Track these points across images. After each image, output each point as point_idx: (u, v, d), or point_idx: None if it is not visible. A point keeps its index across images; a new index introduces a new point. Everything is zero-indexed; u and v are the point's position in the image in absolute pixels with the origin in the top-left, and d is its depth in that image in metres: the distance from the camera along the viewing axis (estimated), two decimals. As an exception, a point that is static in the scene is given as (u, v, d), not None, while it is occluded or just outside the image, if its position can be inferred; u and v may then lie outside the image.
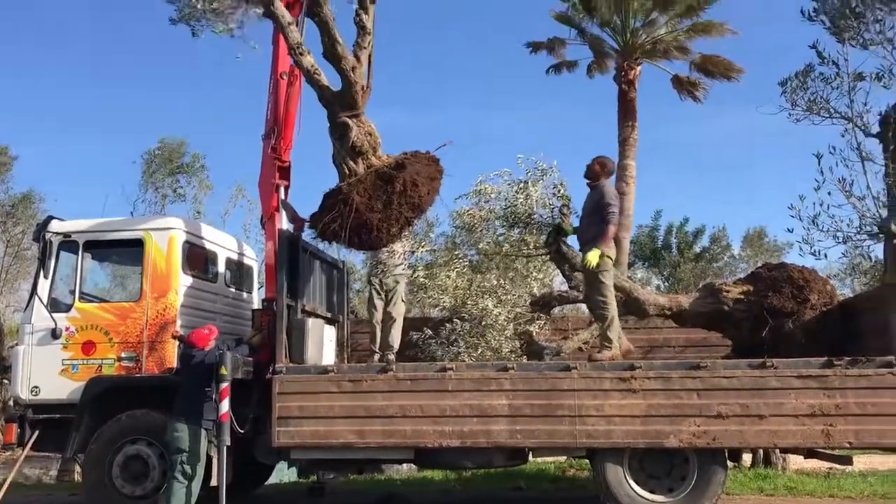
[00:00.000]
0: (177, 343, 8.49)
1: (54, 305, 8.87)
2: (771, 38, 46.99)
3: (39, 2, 50.47)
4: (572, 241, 8.94)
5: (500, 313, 9.64)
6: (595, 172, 8.38)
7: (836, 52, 4.85)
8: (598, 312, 8.29)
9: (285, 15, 8.13)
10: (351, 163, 8.12)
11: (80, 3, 51.96)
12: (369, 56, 8.32)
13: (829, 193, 4.79)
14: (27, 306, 9.14)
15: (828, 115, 5.00)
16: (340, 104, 8.13)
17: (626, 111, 17.07)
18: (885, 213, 4.75)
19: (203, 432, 7.81)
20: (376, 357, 9.41)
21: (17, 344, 9.38)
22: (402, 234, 8.57)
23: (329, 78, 8.31)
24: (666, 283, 26.08)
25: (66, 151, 50.36)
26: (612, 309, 8.13)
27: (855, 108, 4.90)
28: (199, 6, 7.90)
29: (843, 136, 4.89)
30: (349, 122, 8.04)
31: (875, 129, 4.86)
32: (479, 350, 9.54)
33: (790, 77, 5.18)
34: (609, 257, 8.15)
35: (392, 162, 8.17)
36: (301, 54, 8.13)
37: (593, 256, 7.96)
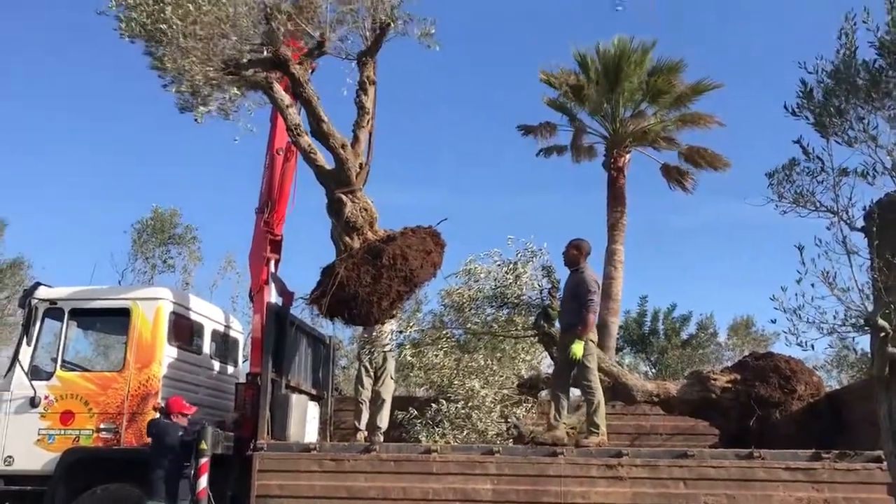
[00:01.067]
0: (157, 415, 8.35)
1: (35, 373, 8.73)
2: (758, 127, 48.15)
3: (34, 67, 51.21)
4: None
5: (486, 395, 9.56)
6: (573, 257, 8.39)
7: (820, 148, 4.96)
8: (586, 397, 8.23)
9: (284, 98, 8.30)
10: (346, 238, 8.12)
11: (76, 71, 52.74)
12: (369, 134, 8.48)
13: (813, 285, 4.80)
14: (7, 373, 9.00)
15: (814, 209, 5.07)
16: (335, 181, 8.21)
17: (615, 197, 17.35)
18: (870, 306, 4.77)
19: None
20: (361, 436, 9.28)
21: (-8, 412, 9.18)
22: (395, 308, 8.40)
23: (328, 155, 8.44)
24: (653, 370, 26.01)
25: (56, 218, 50.29)
26: (599, 394, 8.08)
27: (840, 203, 4.96)
28: (200, 102, 8.06)
29: (828, 228, 4.95)
30: (344, 198, 8.10)
31: (860, 223, 4.94)
32: (465, 432, 9.42)
33: (776, 170, 5.27)
34: (592, 341, 8.15)
35: (383, 235, 8.16)
36: (298, 135, 8.23)
37: (577, 349, 7.92)
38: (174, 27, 7.23)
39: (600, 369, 8.45)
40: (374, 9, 7.90)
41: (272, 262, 9.56)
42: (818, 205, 4.93)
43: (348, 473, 7.86)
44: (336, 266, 7.94)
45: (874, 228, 4.80)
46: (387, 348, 9.54)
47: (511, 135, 19.12)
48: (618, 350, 22.04)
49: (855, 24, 4.79)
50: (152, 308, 8.85)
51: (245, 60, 7.91)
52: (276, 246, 9.69)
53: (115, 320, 9.10)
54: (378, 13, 7.90)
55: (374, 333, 9.49)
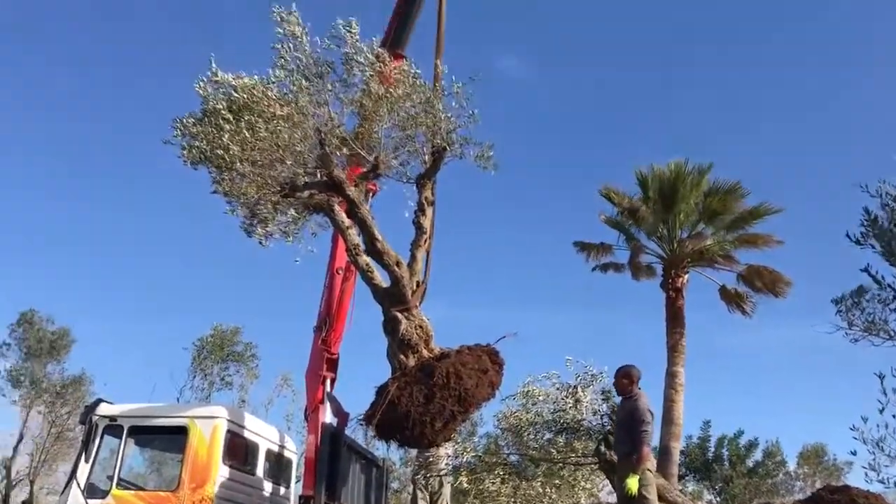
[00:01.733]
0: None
1: (91, 491, 8.71)
2: (821, 247, 47.37)
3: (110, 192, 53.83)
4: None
5: (545, 524, 9.19)
6: (624, 386, 8.06)
7: (891, 276, 4.84)
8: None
9: (344, 220, 8.46)
10: (401, 356, 7.86)
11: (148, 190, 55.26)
12: (427, 254, 8.54)
13: (894, 416, 4.59)
14: (64, 490, 9.01)
15: (888, 337, 4.90)
16: (391, 299, 8.16)
17: (674, 318, 17.01)
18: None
19: None
20: None
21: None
22: (449, 430, 7.92)
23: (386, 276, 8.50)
24: (718, 499, 24.74)
25: (120, 334, 51.61)
26: (663, 527, 7.68)
27: (917, 332, 4.79)
28: (259, 224, 8.34)
29: (904, 358, 4.77)
30: (399, 315, 7.96)
31: (939, 352, 4.75)
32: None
33: (843, 297, 5.15)
34: (649, 470, 7.79)
35: (438, 353, 7.90)
36: (357, 255, 8.28)
37: (633, 483, 7.53)
38: (231, 153, 7.55)
39: (663, 499, 8.06)
40: (432, 133, 8.15)
41: (328, 381, 9.56)
42: (893, 333, 4.77)
43: None
44: (388, 384, 7.64)
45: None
46: (442, 473, 9.30)
47: (567, 251, 19.02)
48: (680, 477, 21.09)
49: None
50: (209, 426, 8.85)
51: (301, 183, 8.16)
52: (333, 364, 9.72)
53: (173, 438, 9.11)
54: (435, 138, 8.14)
55: (430, 457, 9.29)
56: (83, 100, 61.51)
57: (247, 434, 9.45)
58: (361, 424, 8.13)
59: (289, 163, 8.02)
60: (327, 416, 9.27)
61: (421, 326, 8.07)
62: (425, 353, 7.93)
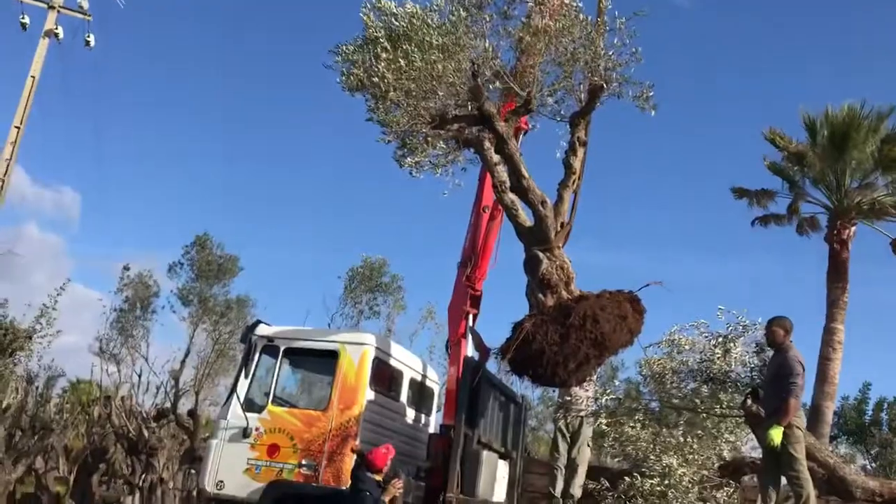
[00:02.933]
0: (354, 458, 8.58)
1: (249, 405, 9.29)
2: None
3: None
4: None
5: (684, 473, 9.03)
6: (777, 336, 7.74)
7: None
8: (793, 489, 7.52)
9: (493, 156, 8.39)
10: (539, 296, 7.84)
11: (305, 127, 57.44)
12: (574, 195, 8.39)
13: None
14: (225, 403, 9.69)
15: None
16: (534, 238, 8.06)
17: (837, 272, 16.07)
18: None
19: None
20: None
21: (210, 437, 9.90)
22: (583, 372, 7.87)
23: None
24: (874, 464, 23.47)
25: (282, 262, 54.69)
26: (808, 486, 7.32)
27: None
28: (409, 153, 8.43)
29: None
30: (540, 254, 7.87)
31: None
32: (660, 510, 8.94)
33: None
34: (798, 427, 7.45)
35: (577, 296, 7.81)
36: (503, 192, 8.21)
37: (776, 434, 7.26)
38: (386, 81, 7.62)
39: (813, 458, 7.68)
40: (591, 71, 7.89)
41: (471, 317, 9.70)
42: None
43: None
44: (524, 321, 7.68)
45: None
46: (583, 413, 9.30)
47: (724, 197, 18.14)
48: (832, 439, 20.16)
49: None
50: (358, 352, 9.21)
51: (451, 115, 8.15)
52: (476, 301, 9.84)
53: (324, 361, 9.54)
54: (594, 75, 7.88)
55: (570, 397, 9.30)
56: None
57: (393, 362, 9.79)
58: (496, 357, 8.22)
59: (441, 94, 8.01)
60: (469, 350, 9.44)
61: (562, 267, 7.95)
62: (565, 294, 7.83)
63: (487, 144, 8.39)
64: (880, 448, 23.64)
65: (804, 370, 7.58)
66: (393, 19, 7.65)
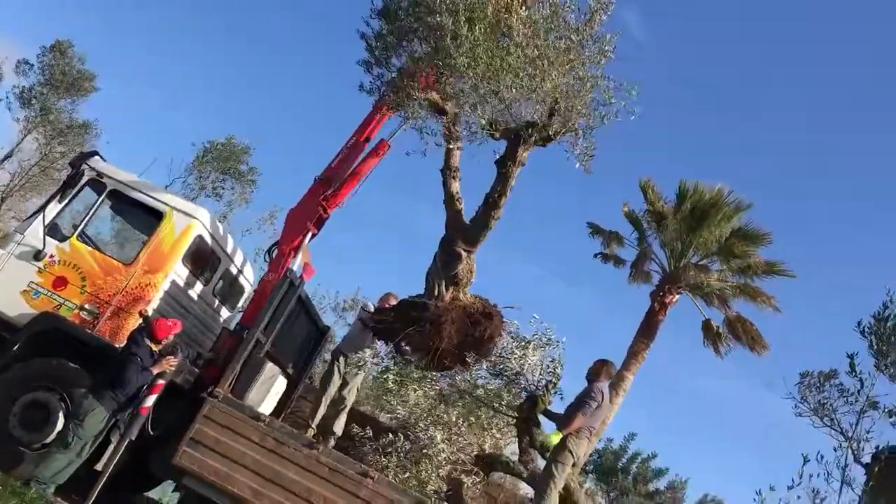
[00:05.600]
0: (139, 321, 8.31)
1: (52, 231, 8.80)
2: (810, 325, 47.35)
3: None
4: (543, 421, 8.80)
5: (443, 449, 9.37)
6: (596, 371, 8.29)
7: (866, 373, 4.85)
8: (536, 498, 8.03)
9: (456, 141, 8.65)
10: (442, 288, 8.56)
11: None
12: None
13: (798, 497, 4.68)
14: (27, 218, 9.13)
15: (829, 425, 4.95)
16: (464, 235, 8.52)
17: (648, 328, 17.11)
18: (844, 544, 4.61)
19: (108, 417, 7.56)
20: (310, 433, 9.13)
21: (-1, 247, 9.27)
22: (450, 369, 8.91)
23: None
24: (607, 504, 25.39)
25: (144, 98, 50.69)
26: (551, 501, 7.85)
27: (857, 432, 4.83)
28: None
29: (834, 450, 4.83)
30: (463, 253, 8.48)
31: (866, 458, 4.81)
32: (407, 475, 9.23)
33: (811, 373, 5.18)
34: (571, 452, 7.96)
35: (479, 307, 8.68)
36: (454, 178, 8.69)
37: (554, 437, 7.79)
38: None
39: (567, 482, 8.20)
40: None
41: (309, 234, 9.60)
42: (836, 423, 4.81)
43: (283, 460, 7.76)
44: (436, 313, 8.40)
45: (876, 470, 4.66)
46: (360, 364, 9.48)
47: (580, 229, 18.94)
48: (584, 471, 21.60)
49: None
50: (184, 223, 8.92)
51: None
52: (321, 222, 9.74)
53: (146, 218, 9.16)
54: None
55: (361, 346, 9.42)
56: None
57: (215, 246, 9.54)
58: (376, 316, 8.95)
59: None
60: (295, 264, 9.34)
61: (471, 271, 8.75)
62: (461, 295, 8.71)
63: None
64: (619, 493, 25.58)
65: (603, 399, 8.10)
66: None
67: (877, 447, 4.84)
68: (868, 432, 4.84)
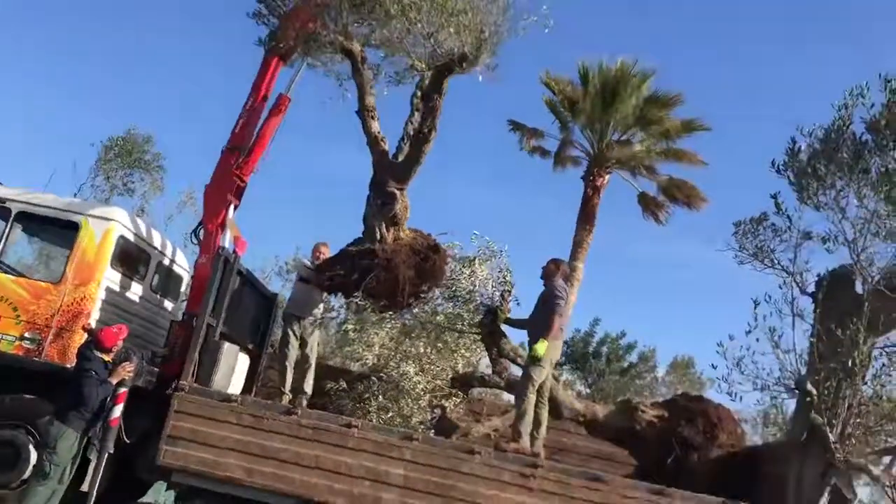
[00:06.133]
0: (85, 336, 8.12)
1: (-33, 268, 8.48)
2: (739, 176, 48.69)
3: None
4: (507, 329, 8.97)
5: (419, 381, 9.54)
6: (550, 271, 8.50)
7: (792, 208, 5.03)
8: (517, 402, 8.26)
9: (368, 76, 8.76)
10: (384, 230, 8.70)
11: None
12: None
13: (757, 340, 4.92)
14: (-62, 260, 8.75)
15: (770, 265, 5.15)
16: (393, 173, 8.65)
17: (587, 215, 17.33)
18: (804, 370, 4.85)
19: (79, 438, 7.36)
20: (286, 399, 9.16)
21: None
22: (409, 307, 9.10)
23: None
24: (588, 390, 26.23)
25: (23, 111, 48.45)
26: (530, 403, 8.07)
27: (797, 265, 5.03)
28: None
29: (780, 287, 5.05)
30: (397, 192, 8.64)
31: (811, 288, 5.03)
32: (390, 414, 9.39)
33: (744, 221, 5.34)
34: (550, 357, 8.18)
35: (423, 242, 8.89)
36: (373, 118, 8.78)
37: (541, 347, 7.96)
38: None
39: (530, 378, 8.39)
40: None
41: (231, 207, 9.41)
42: (776, 262, 5.00)
43: (265, 432, 7.79)
44: (385, 256, 8.55)
45: (822, 296, 4.89)
46: (316, 322, 9.50)
47: (499, 127, 18.90)
48: (559, 364, 22.16)
49: (857, 98, 4.84)
50: (102, 228, 8.66)
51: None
52: (240, 192, 9.55)
53: (63, 232, 8.88)
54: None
55: (310, 303, 9.41)
56: None
57: (140, 242, 9.31)
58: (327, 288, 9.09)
59: None
60: (225, 241, 9.18)
61: (406, 207, 8.88)
62: (402, 233, 8.88)
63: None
64: (596, 376, 26.43)
65: (567, 295, 8.34)
66: None
67: (818, 275, 5.07)
68: (807, 263, 5.05)
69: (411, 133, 8.87)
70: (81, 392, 7.38)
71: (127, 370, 7.59)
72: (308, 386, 9.34)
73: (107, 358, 7.64)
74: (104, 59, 52.91)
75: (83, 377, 7.43)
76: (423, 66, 8.22)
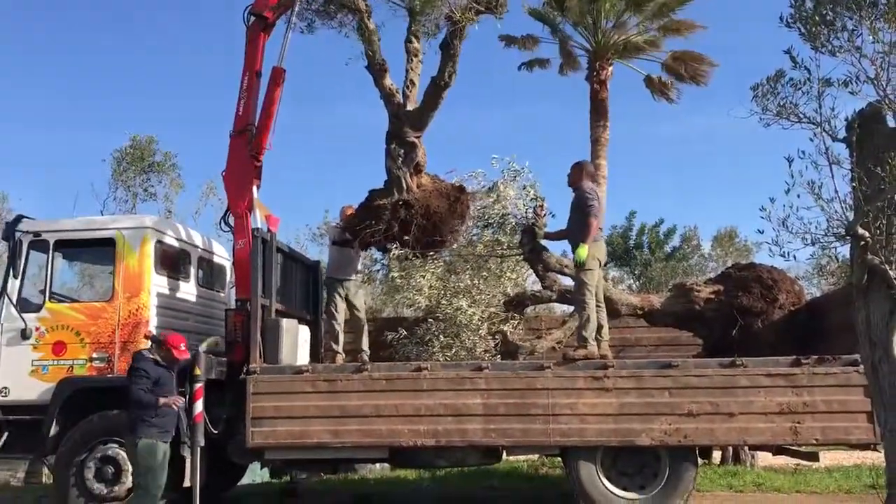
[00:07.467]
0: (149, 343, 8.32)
1: (24, 305, 8.74)
2: (744, 41, 47.57)
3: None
4: (547, 243, 9.04)
5: (474, 313, 9.69)
6: (576, 176, 8.50)
7: (808, 59, 4.93)
8: (577, 310, 8.36)
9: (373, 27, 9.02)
10: (408, 179, 8.90)
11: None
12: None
13: (799, 196, 4.86)
14: (-5, 306, 9.00)
15: (797, 120, 5.07)
16: (411, 124, 8.86)
17: (598, 111, 17.16)
18: (851, 215, 4.85)
19: (159, 444, 7.25)
20: (340, 359, 9.39)
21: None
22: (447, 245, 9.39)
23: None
24: (637, 283, 26.31)
25: (31, 148, 49.36)
26: (591, 308, 8.17)
27: (823, 114, 4.96)
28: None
29: (811, 140, 4.97)
30: (417, 141, 8.89)
31: (842, 133, 4.97)
32: (454, 350, 9.58)
33: (761, 82, 5.24)
34: (597, 258, 8.25)
35: (446, 186, 9.18)
36: (385, 71, 9.00)
37: (582, 251, 8.03)
38: None
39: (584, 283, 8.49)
40: None
41: (255, 188, 9.49)
42: (801, 116, 4.93)
43: (341, 393, 8.04)
44: (418, 203, 8.82)
45: (855, 139, 4.84)
46: (358, 279, 9.73)
47: (492, 47, 18.64)
48: (604, 265, 22.20)
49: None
50: (137, 237, 8.83)
51: None
52: (258, 172, 9.61)
53: (101, 251, 9.09)
54: None
55: (353, 259, 9.61)
56: None
57: (176, 242, 9.47)
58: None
59: None
60: (257, 221, 9.30)
61: (424, 154, 9.09)
62: (424, 179, 9.14)
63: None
64: (642, 268, 26.45)
65: (597, 196, 8.38)
66: None
67: (846, 119, 5.00)
68: (833, 110, 4.95)
69: (413, 80, 9.12)
70: (133, 397, 7.20)
71: (175, 403, 7.48)
72: (365, 344, 9.59)
73: (179, 355, 7.57)
74: (84, 74, 52.77)
75: (131, 382, 7.31)
76: (460, 15, 8.39)
